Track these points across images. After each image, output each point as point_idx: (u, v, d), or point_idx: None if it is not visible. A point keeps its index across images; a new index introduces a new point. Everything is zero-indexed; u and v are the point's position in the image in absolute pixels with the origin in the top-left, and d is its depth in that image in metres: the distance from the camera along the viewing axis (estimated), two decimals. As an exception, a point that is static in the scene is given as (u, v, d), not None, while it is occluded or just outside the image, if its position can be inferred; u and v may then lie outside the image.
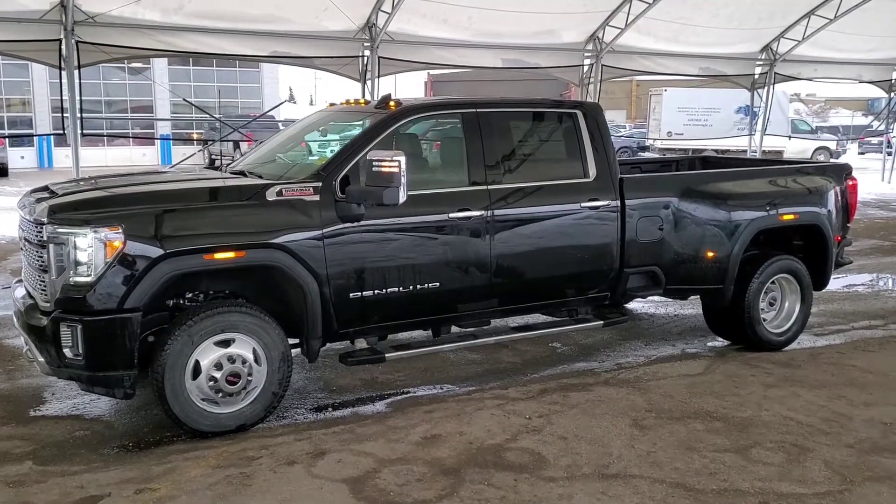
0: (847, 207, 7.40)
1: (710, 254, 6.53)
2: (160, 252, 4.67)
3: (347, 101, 6.34)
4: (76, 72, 13.11)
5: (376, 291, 5.33)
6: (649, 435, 4.97)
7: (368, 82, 15.05)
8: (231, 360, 4.90)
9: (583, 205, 6.04)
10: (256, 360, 5.01)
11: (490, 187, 5.72)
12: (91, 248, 4.58)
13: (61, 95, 13.89)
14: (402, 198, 5.03)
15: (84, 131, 13.95)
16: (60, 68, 13.14)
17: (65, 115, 13.86)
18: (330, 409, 5.55)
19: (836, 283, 9.52)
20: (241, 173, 5.78)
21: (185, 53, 15.15)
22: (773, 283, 6.89)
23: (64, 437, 5.01)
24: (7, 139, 28.27)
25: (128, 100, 34.12)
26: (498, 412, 5.31)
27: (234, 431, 5.00)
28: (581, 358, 6.77)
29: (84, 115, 14.02)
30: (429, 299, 5.55)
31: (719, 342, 7.17)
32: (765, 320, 6.90)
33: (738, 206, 6.60)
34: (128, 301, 4.62)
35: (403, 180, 4.98)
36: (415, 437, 4.89)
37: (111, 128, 33.78)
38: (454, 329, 6.00)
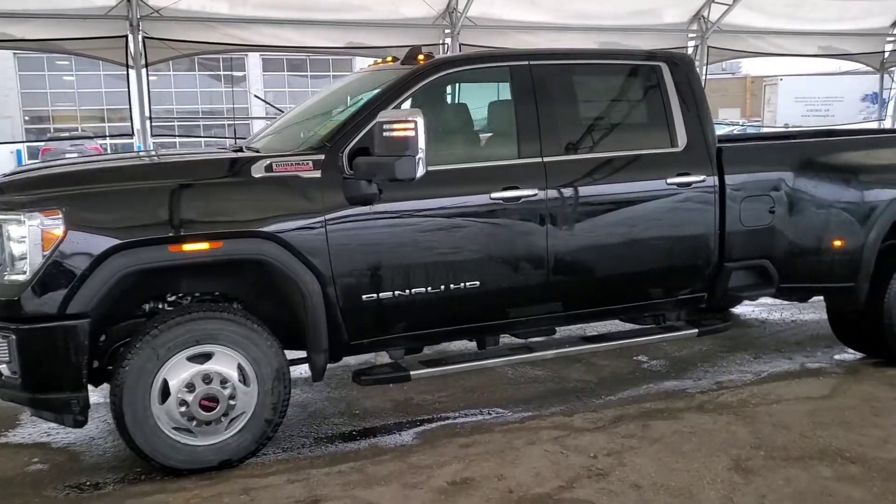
0: None
1: (838, 243, 5.10)
2: (111, 242, 3.69)
3: (376, 62, 5.22)
4: (144, 70, 12.60)
5: (397, 293, 4.21)
6: (756, 483, 3.68)
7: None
8: (207, 379, 3.87)
9: (669, 181, 4.74)
10: (243, 380, 3.96)
11: (546, 160, 4.50)
12: (25, 237, 3.63)
13: (132, 96, 13.43)
14: (421, 171, 3.90)
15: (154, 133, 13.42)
16: (128, 66, 12.63)
17: (151, 117, 13.32)
18: (342, 440, 4.44)
19: None
20: (240, 150, 4.75)
21: (255, 48, 14.50)
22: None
23: (14, 472, 4.09)
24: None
25: (223, 107, 34.35)
26: (554, 448, 4.10)
27: (217, 468, 3.95)
28: (672, 375, 5.45)
29: (178, 120, 13.53)
30: (467, 303, 4.39)
31: (849, 355, 5.71)
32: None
33: (873, 181, 5.15)
34: (71, 305, 3.66)
35: (422, 148, 3.84)
36: (440, 480, 3.76)
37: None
38: (505, 339, 4.80)
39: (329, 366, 4.23)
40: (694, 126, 4.87)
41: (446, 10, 13.78)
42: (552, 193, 4.47)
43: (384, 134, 3.86)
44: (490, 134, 4.81)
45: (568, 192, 4.54)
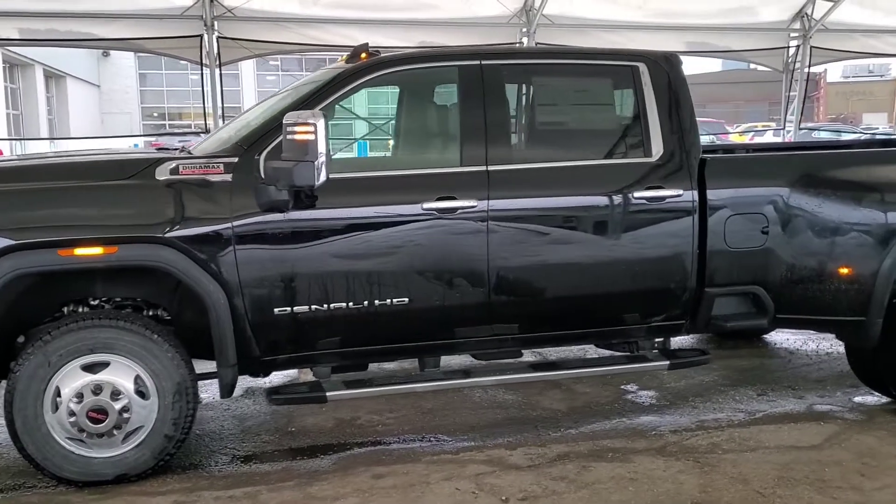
0: None
1: (845, 271, 4.45)
2: (4, 243, 3.58)
3: (340, 59, 4.94)
4: (217, 69, 12.78)
5: (314, 308, 3.92)
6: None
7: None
8: (97, 389, 3.69)
9: (637, 195, 4.25)
10: (142, 392, 3.77)
11: (491, 168, 4.10)
12: None
13: (206, 94, 13.66)
14: (320, 178, 3.60)
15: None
16: (202, 65, 12.84)
17: (224, 116, 13.53)
18: (259, 461, 4.19)
19: None
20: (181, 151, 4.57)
21: (328, 47, 14.49)
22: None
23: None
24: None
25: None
26: (468, 486, 3.73)
27: (113, 482, 3.78)
28: (654, 409, 4.92)
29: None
30: (395, 321, 4.06)
31: (873, 398, 5.01)
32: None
33: (888, 201, 4.46)
34: (-38, 305, 3.56)
35: (322, 153, 3.54)
36: (326, 517, 3.44)
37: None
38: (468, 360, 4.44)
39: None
40: (672, 134, 4.36)
41: (522, 7, 13.35)
42: (495, 205, 4.08)
43: (288, 136, 3.59)
44: (431, 139, 4.45)
45: (513, 204, 4.14)
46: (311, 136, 3.51)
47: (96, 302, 4.06)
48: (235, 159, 3.86)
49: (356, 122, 4.44)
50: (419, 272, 4.02)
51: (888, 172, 4.56)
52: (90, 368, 3.73)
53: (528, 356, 5.13)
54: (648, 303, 4.41)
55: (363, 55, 4.25)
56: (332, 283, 3.92)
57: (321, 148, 3.54)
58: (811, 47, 14.81)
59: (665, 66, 4.44)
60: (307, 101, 4.00)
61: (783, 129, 16.40)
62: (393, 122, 4.46)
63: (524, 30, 13.47)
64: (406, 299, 4.01)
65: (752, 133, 30.18)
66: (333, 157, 4.28)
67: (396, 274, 3.99)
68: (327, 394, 4.02)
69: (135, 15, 12.18)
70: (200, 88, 13.09)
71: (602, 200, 4.24)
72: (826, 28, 14.55)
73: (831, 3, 13.98)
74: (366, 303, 3.97)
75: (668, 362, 4.47)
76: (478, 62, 4.22)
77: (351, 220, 3.94)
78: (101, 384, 3.71)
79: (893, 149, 5.39)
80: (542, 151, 4.33)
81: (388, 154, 4.26)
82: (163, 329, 3.86)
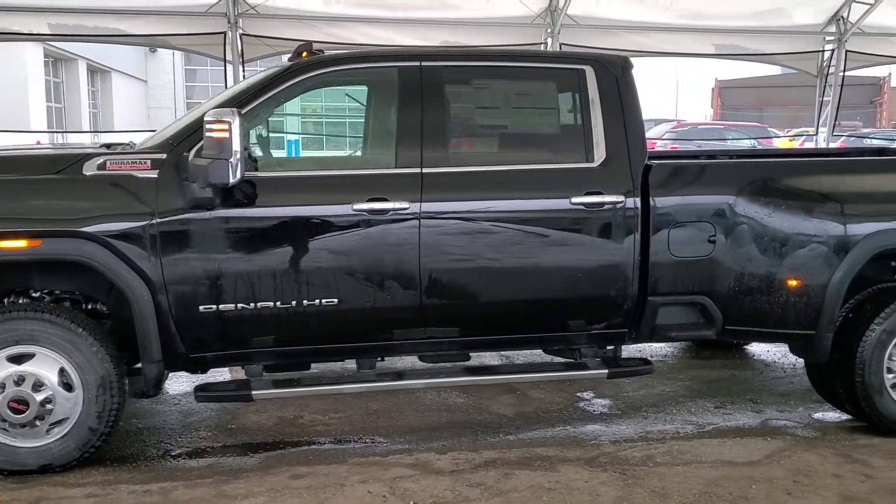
0: None
1: (793, 283, 4.32)
2: (-66, 235, 3.67)
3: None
4: (241, 66, 12.92)
5: (240, 306, 3.94)
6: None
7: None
8: (19, 380, 3.76)
9: (574, 201, 4.17)
10: (67, 385, 3.83)
11: (425, 171, 4.08)
12: None
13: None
14: (235, 176, 3.62)
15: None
16: (226, 62, 13.00)
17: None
18: (187, 457, 4.22)
19: None
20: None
21: (351, 46, 14.54)
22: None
23: None
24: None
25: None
26: (381, 489, 3.72)
27: (37, 472, 3.85)
28: (603, 418, 4.84)
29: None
30: (325, 321, 4.06)
31: (834, 414, 4.86)
32: (902, 388, 4.53)
33: (843, 211, 4.32)
34: None
35: (237, 151, 3.56)
36: (231, 515, 3.46)
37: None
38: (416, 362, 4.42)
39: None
40: (616, 139, 4.27)
41: (547, 8, 13.23)
42: (427, 208, 4.05)
43: (206, 134, 3.61)
44: (367, 140, 4.43)
45: (447, 207, 4.10)
46: (226, 134, 3.53)
47: (37, 294, 4.13)
48: (163, 156, 3.89)
49: (306, 121, 4.37)
50: (349, 273, 4.01)
51: (840, 182, 4.41)
52: (17, 359, 3.79)
53: (495, 359, 5.08)
54: (589, 310, 4.33)
55: (304, 54, 4.25)
56: (258, 282, 3.93)
57: (235, 146, 3.55)
58: (846, 51, 14.41)
59: (613, 70, 4.36)
60: (239, 100, 4.03)
61: (815, 135, 16.02)
62: (333, 122, 4.42)
63: (548, 30, 13.38)
64: (335, 300, 4.01)
65: (804, 138, 29.50)
66: (268, 156, 4.29)
67: (326, 274, 3.99)
68: (253, 392, 4.03)
69: (161, 11, 12.37)
70: (223, 84, 13.23)
71: (538, 205, 4.19)
72: (863, 31, 14.13)
73: (868, 6, 13.58)
74: (294, 303, 3.97)
75: (606, 371, 4.39)
76: (417, 63, 4.19)
77: (279, 219, 3.94)
78: (24, 375, 3.77)
79: (847, 158, 5.19)
80: (481, 155, 4.29)
81: (325, 153, 4.22)
82: (89, 323, 3.91)
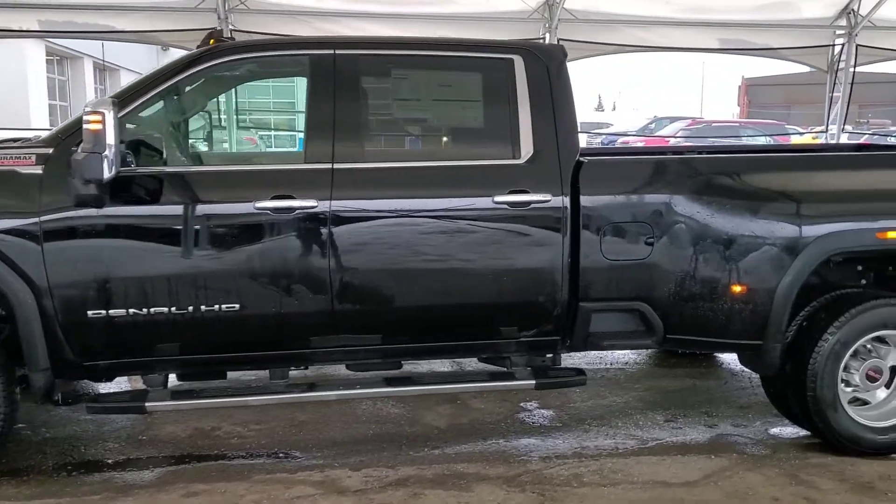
0: None
1: (738, 288, 4.00)
2: None
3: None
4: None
5: (132, 311, 3.69)
6: None
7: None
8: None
9: (497, 200, 3.87)
10: (-50, 393, 3.59)
11: (336, 167, 3.80)
12: None
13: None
14: (109, 171, 3.36)
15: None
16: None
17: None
18: (83, 470, 3.98)
19: None
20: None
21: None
22: (869, 343, 4.14)
23: None
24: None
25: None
26: (273, 511, 3.42)
27: (-82, 486, 3.63)
28: (541, 430, 4.54)
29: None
30: (226, 328, 3.79)
31: (791, 429, 4.52)
32: (866, 403, 4.19)
33: (793, 212, 3.99)
34: None
35: (111, 145, 3.30)
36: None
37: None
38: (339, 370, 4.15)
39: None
40: (545, 134, 3.97)
41: (545, 2, 12.91)
42: (338, 206, 3.77)
43: (83, 126, 3.36)
44: (276, 134, 4.15)
45: (359, 206, 3.82)
46: (100, 126, 3.27)
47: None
48: (49, 150, 3.64)
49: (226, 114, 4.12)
50: (251, 276, 3.74)
51: (789, 180, 4.07)
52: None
53: (445, 367, 4.79)
54: (516, 317, 4.03)
55: (211, 41, 3.99)
56: (151, 286, 3.67)
57: (110, 139, 3.29)
58: (857, 46, 13.94)
59: (544, 60, 4.06)
60: (138, 90, 3.77)
61: (826, 132, 15.57)
62: (241, 115, 4.16)
63: (546, 25, 13.06)
64: (237, 305, 3.74)
65: (825, 135, 28.86)
66: (172, 150, 4.04)
67: (225, 278, 3.73)
68: (147, 404, 3.78)
69: (151, 7, 12.21)
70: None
71: (458, 204, 3.89)
72: (874, 25, 13.66)
73: (877, -1, 13.12)
74: (191, 308, 3.71)
75: (534, 382, 4.08)
76: (331, 52, 3.91)
77: (172, 218, 3.69)
78: None
79: (799, 154, 4.83)
80: (398, 150, 4.02)
81: (232, 148, 3.96)
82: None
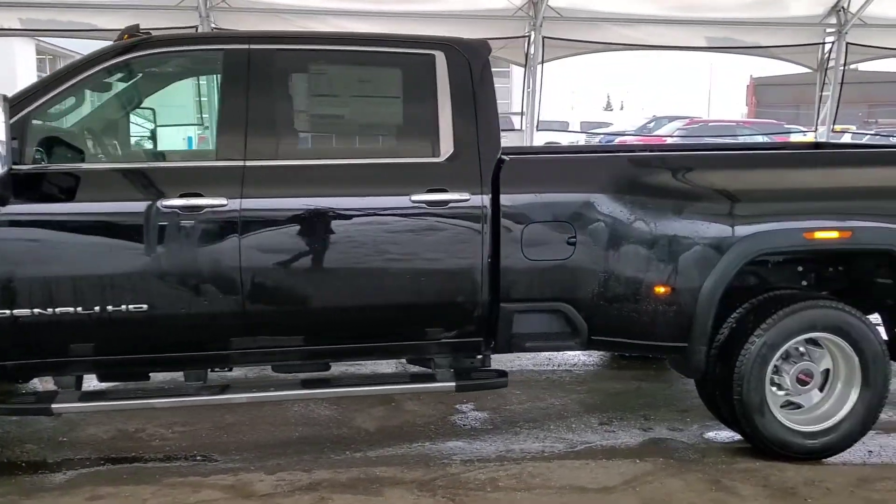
0: None
1: (661, 289, 3.91)
2: None
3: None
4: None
5: (37, 311, 3.62)
6: None
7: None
8: None
9: (415, 199, 3.80)
10: None
11: (248, 164, 3.73)
12: None
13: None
14: (1, 168, 3.29)
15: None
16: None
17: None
18: (-6, 472, 3.92)
19: None
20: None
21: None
22: (801, 346, 4.05)
23: None
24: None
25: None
26: (171, 515, 3.36)
27: None
28: (470, 433, 4.46)
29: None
30: (136, 329, 3.72)
31: (727, 433, 4.41)
32: (799, 407, 4.10)
33: (716, 211, 3.90)
34: None
35: (2, 141, 3.24)
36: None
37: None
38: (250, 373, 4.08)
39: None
40: (466, 132, 3.89)
41: (529, 0, 12.82)
42: (249, 205, 3.70)
43: (-20, 124, 3.30)
44: (188, 130, 4.09)
45: (272, 204, 3.75)
46: (-13, 122, 3.21)
47: None
48: (-46, 149, 3.58)
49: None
50: (159, 277, 3.68)
51: (715, 179, 3.98)
52: None
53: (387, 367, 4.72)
54: (436, 318, 3.96)
55: (126, 37, 3.93)
56: (56, 286, 3.61)
57: (1, 135, 3.23)
58: (847, 43, 13.79)
59: (467, 57, 3.98)
60: (46, 86, 3.71)
61: (815, 132, 15.42)
62: (154, 110, 4.10)
63: (531, 23, 12.98)
64: (145, 306, 3.68)
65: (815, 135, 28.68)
66: (86, 147, 3.97)
67: (132, 278, 3.66)
68: (53, 406, 3.71)
69: (133, 6, 12.18)
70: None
71: (375, 203, 3.82)
72: (864, 22, 13.52)
73: (869, -6, 12.97)
74: (97, 308, 3.65)
75: (454, 384, 4.00)
76: (245, 46, 3.84)
77: (76, 216, 3.63)
78: None
79: (727, 153, 4.74)
80: (314, 147, 3.95)
81: (128, 146, 3.90)
82: None
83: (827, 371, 4.13)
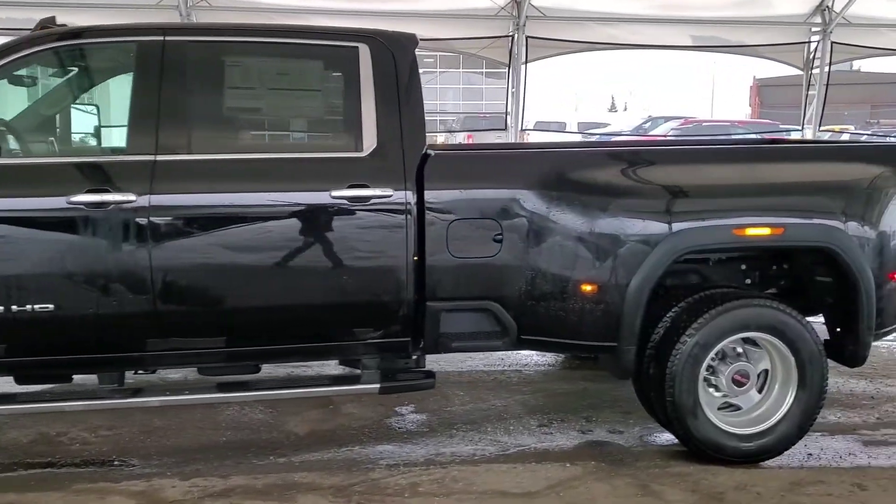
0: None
1: (588, 287, 3.79)
2: None
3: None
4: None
5: (-61, 311, 3.51)
6: None
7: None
8: None
9: (335, 194, 3.68)
10: None
11: (160, 159, 3.61)
12: None
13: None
14: None
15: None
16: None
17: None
18: None
19: None
20: None
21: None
22: (738, 346, 3.94)
23: None
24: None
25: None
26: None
27: None
28: (404, 436, 4.35)
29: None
30: (43, 330, 3.60)
31: (667, 437, 4.27)
32: (738, 408, 4.00)
33: (642, 208, 3.78)
34: None
35: None
36: None
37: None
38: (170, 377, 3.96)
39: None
40: (390, 126, 3.77)
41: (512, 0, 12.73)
42: (160, 201, 3.58)
43: None
44: (102, 124, 3.98)
45: (184, 200, 3.64)
46: None
47: None
48: None
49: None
50: (66, 276, 3.56)
51: (643, 175, 3.86)
52: None
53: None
54: (359, 317, 3.84)
55: (40, 28, 3.82)
56: (-41, 285, 3.49)
57: None
58: (832, 43, 13.68)
59: (392, 49, 3.86)
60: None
61: (801, 131, 15.31)
62: (66, 103, 3.99)
63: (515, 22, 12.90)
64: (51, 306, 3.56)
65: (829, 135, 28.61)
66: None
67: (37, 277, 3.55)
68: (-44, 409, 3.59)
69: (112, 5, 12.15)
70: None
71: (293, 198, 3.70)
72: (849, 21, 13.40)
73: (853, -6, 12.86)
74: (1, 308, 3.53)
75: (378, 386, 3.88)
76: (160, 38, 3.73)
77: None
78: None
79: (660, 148, 4.62)
80: (230, 142, 3.83)
81: (34, 139, 3.79)
82: None
83: (766, 372, 4.00)
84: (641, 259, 3.72)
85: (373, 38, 3.88)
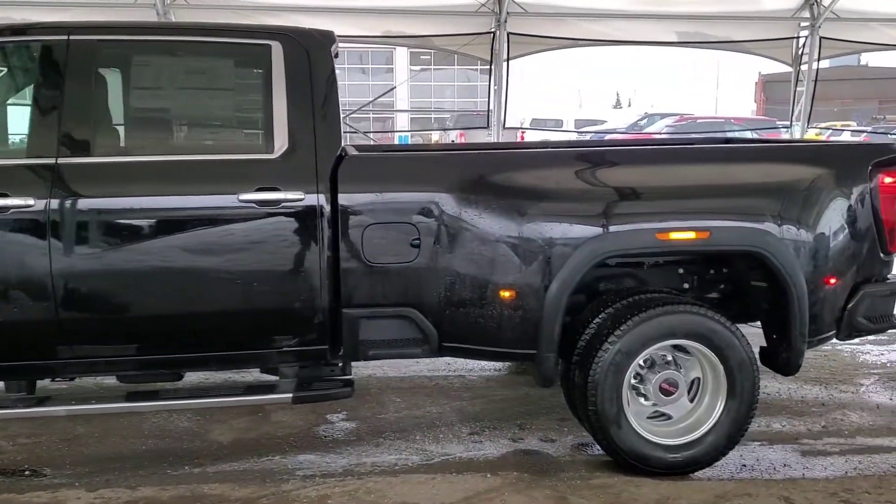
0: (879, 225, 3.98)
1: (506, 293, 3.68)
2: None
3: None
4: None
5: None
6: None
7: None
8: None
9: (243, 198, 3.57)
10: None
11: (61, 162, 3.51)
12: None
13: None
14: None
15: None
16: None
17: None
18: None
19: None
20: None
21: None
22: (668, 353, 3.82)
23: None
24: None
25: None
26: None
27: None
28: (329, 445, 4.24)
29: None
30: (-60, 336, 3.50)
31: (598, 448, 4.14)
32: (669, 417, 3.87)
33: (559, 212, 3.66)
34: None
35: None
36: None
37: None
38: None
39: None
40: (302, 127, 3.66)
41: (495, -6, 12.59)
42: (59, 205, 3.47)
43: None
44: (3, 127, 3.87)
45: (84, 204, 3.52)
46: None
47: None
48: None
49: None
50: (-37, 281, 3.45)
51: (561, 178, 3.73)
52: None
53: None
54: (272, 325, 3.73)
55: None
56: None
57: None
58: (820, 38, 13.51)
59: (305, 47, 3.74)
60: None
61: (790, 128, 15.14)
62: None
63: (496, 19, 12.76)
64: (-52, 312, 3.46)
65: (829, 132, 28.43)
66: None
67: (-67, 284, 3.44)
68: None
69: (87, 4, 12.07)
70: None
71: (198, 202, 3.60)
72: (837, 16, 13.24)
73: (842, -11, 12.68)
74: None
75: (291, 395, 3.76)
76: (65, 37, 3.62)
77: None
78: None
79: (574, 150, 4.49)
80: (135, 143, 3.73)
81: None
82: None
83: (697, 380, 3.88)
84: (560, 264, 3.60)
85: (286, 35, 3.77)
